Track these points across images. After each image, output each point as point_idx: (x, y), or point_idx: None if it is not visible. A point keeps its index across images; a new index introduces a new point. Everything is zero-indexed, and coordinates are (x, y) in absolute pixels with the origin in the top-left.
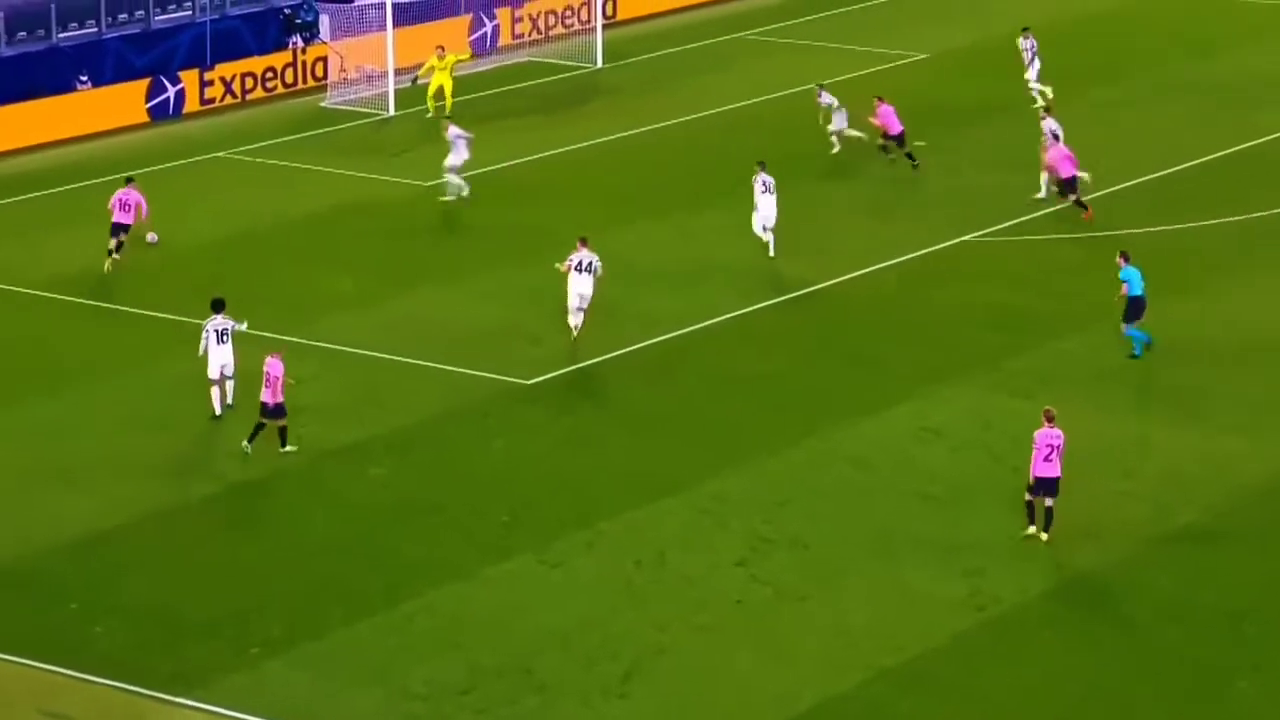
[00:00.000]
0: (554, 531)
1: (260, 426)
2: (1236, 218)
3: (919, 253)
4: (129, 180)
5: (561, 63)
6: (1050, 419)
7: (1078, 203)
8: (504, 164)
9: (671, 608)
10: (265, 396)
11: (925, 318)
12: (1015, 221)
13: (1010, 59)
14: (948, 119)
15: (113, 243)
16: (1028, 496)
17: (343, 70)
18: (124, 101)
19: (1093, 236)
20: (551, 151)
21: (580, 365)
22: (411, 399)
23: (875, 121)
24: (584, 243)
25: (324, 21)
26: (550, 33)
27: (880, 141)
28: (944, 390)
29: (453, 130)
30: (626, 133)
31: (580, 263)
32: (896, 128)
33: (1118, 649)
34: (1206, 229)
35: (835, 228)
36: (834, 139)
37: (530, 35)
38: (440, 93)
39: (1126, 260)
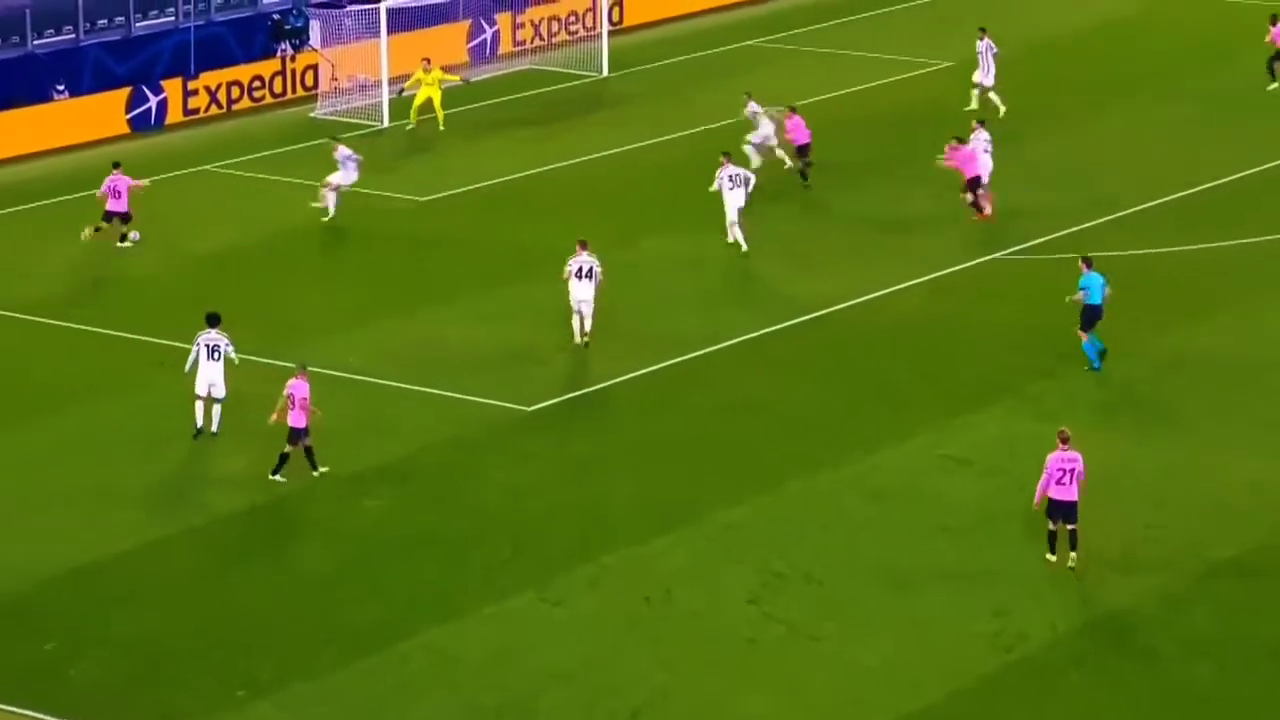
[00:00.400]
0: (556, 566)
1: (286, 456)
2: (1270, 237)
3: (942, 272)
4: (116, 165)
5: (565, 71)
6: (1064, 440)
7: (974, 204)
8: (504, 177)
9: (679, 647)
10: (291, 420)
11: (948, 340)
12: (1043, 240)
13: (1037, 68)
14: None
15: (119, 229)
16: (1050, 526)
17: (334, 79)
18: (104, 112)
19: (1118, 256)
20: (554, 164)
21: (584, 390)
22: (408, 427)
23: (787, 137)
24: (584, 246)
25: (314, 28)
26: (553, 39)
27: (794, 164)
28: (967, 416)
29: (342, 151)
30: (633, 145)
31: (580, 269)
32: (804, 138)
33: (1150, 689)
34: (1236, 247)
35: (853, 245)
36: (751, 152)
37: (532, 42)
38: (428, 105)
39: (1089, 266)
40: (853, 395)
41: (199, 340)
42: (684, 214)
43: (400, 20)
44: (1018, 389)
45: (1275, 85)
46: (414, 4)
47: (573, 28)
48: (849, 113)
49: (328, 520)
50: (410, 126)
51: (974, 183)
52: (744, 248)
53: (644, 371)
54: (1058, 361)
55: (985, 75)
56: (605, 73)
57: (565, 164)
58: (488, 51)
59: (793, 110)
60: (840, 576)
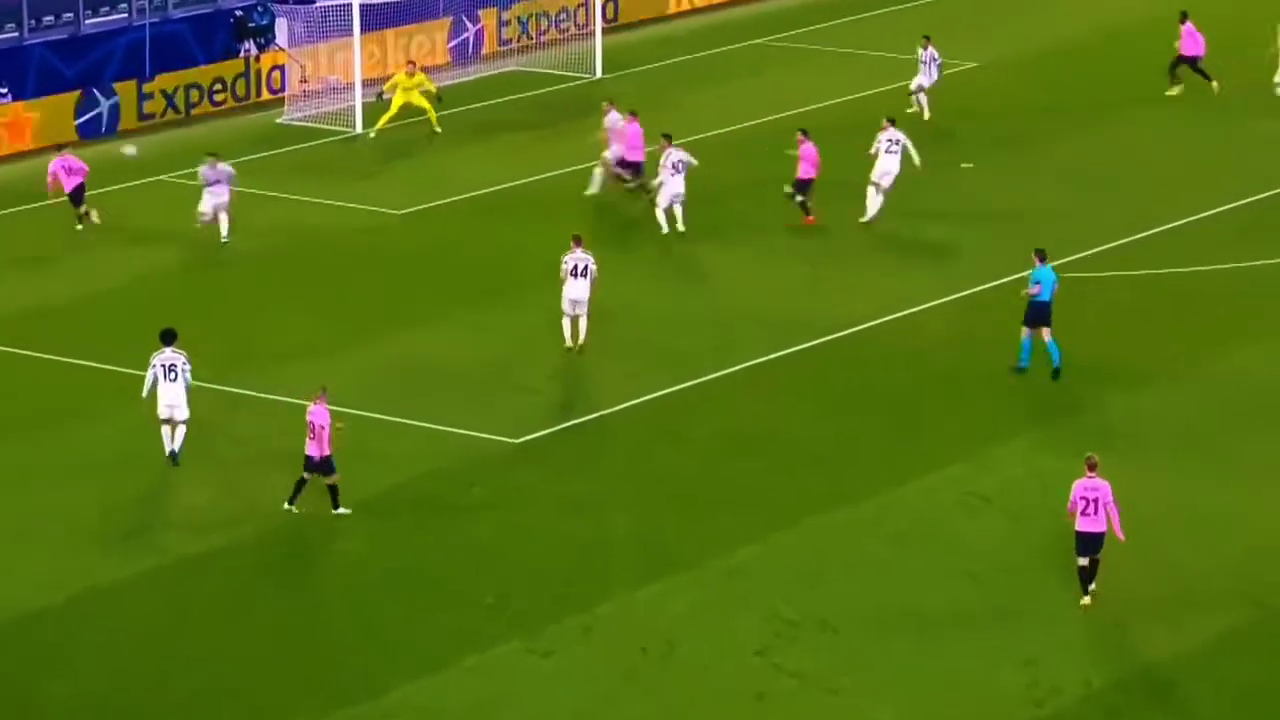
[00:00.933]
0: (546, 615)
1: (303, 483)
2: None
3: (966, 292)
4: (60, 148)
5: (556, 72)
6: (1091, 467)
7: (803, 204)
8: (490, 188)
9: (680, 702)
10: (310, 449)
11: (975, 365)
12: (1074, 257)
13: (1072, 67)
14: (999, 136)
15: (80, 211)
16: (1079, 561)
17: (303, 81)
18: (49, 117)
19: (1154, 275)
20: (544, 174)
21: (576, 420)
22: (384, 461)
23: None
24: (578, 242)
25: (281, 26)
26: (543, 38)
27: (628, 179)
28: (995, 450)
29: (213, 169)
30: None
31: (576, 266)
32: (636, 154)
33: None
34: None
35: (871, 263)
36: (598, 172)
37: (519, 41)
38: (406, 111)
39: (1042, 260)
40: (871, 426)
41: (154, 361)
42: (687, 227)
43: (374, 17)
44: (1050, 420)
45: (1174, 90)
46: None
47: (563, 25)
48: (864, 118)
49: (296, 566)
50: (373, 135)
51: (805, 185)
52: (681, 227)
53: (643, 399)
54: (1094, 389)
55: (925, 81)
56: (599, 74)
57: (556, 173)
58: (469, 52)
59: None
60: (857, 624)
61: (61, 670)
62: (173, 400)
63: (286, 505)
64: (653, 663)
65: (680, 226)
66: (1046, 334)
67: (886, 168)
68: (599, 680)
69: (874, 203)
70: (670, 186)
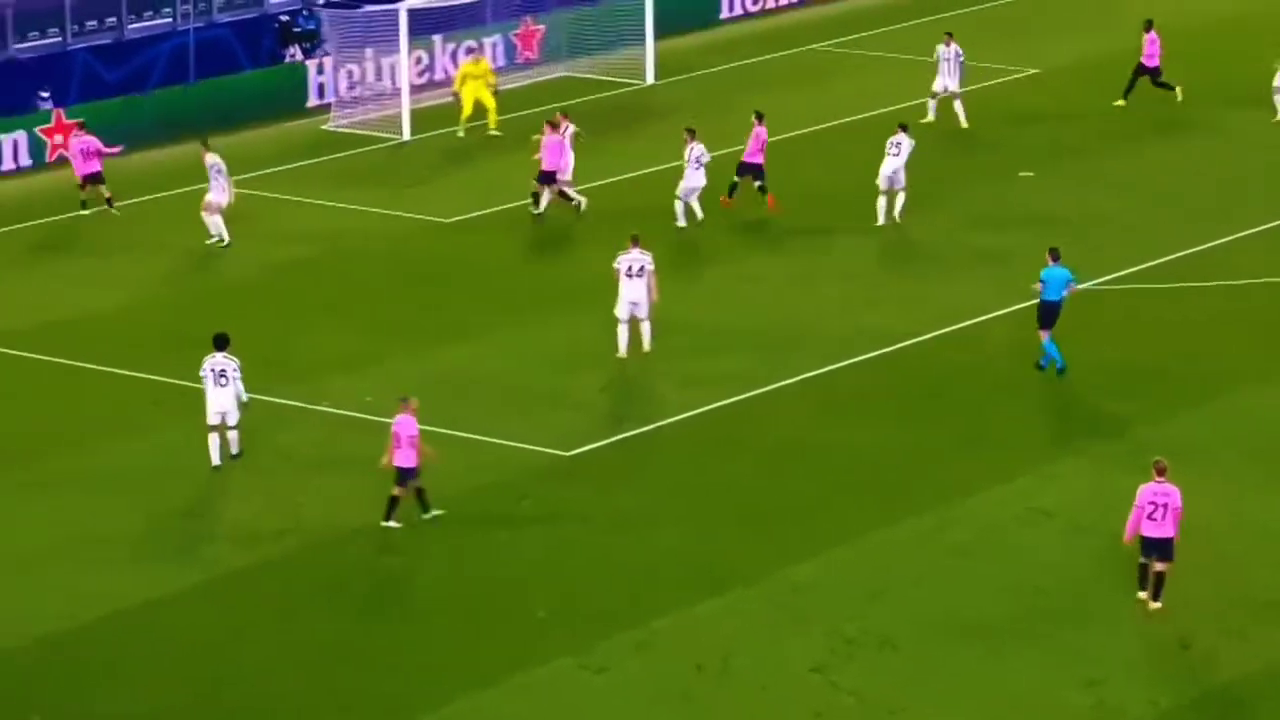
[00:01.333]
0: (599, 630)
1: (396, 501)
2: None
3: (1029, 303)
4: (81, 125)
5: (605, 79)
6: (1160, 471)
7: (761, 188)
8: None
9: None
10: (399, 460)
11: (1036, 379)
12: (1139, 268)
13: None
14: (1059, 143)
15: (88, 193)
16: (1141, 559)
17: (350, 87)
18: (92, 123)
19: (1221, 286)
20: (594, 182)
21: (629, 433)
22: (434, 474)
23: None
24: (635, 242)
25: (327, 31)
26: (593, 44)
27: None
28: (1059, 465)
29: (212, 160)
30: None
31: (631, 266)
32: (553, 164)
33: None
34: None
35: (931, 273)
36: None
37: (569, 46)
38: (479, 110)
39: (1055, 259)
40: (933, 438)
41: (206, 367)
42: (738, 237)
43: (422, 23)
44: (1115, 433)
45: (1122, 102)
46: (438, 5)
47: (614, 30)
48: (920, 126)
49: (341, 579)
50: (461, 134)
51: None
52: (700, 218)
53: (697, 411)
54: (1160, 403)
55: (950, 80)
56: (651, 80)
57: (606, 181)
58: (518, 57)
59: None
60: (918, 641)
61: (112, 684)
62: (223, 406)
63: (383, 523)
64: (708, 680)
65: (699, 215)
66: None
67: (885, 170)
68: (653, 697)
69: (889, 207)
70: (691, 180)
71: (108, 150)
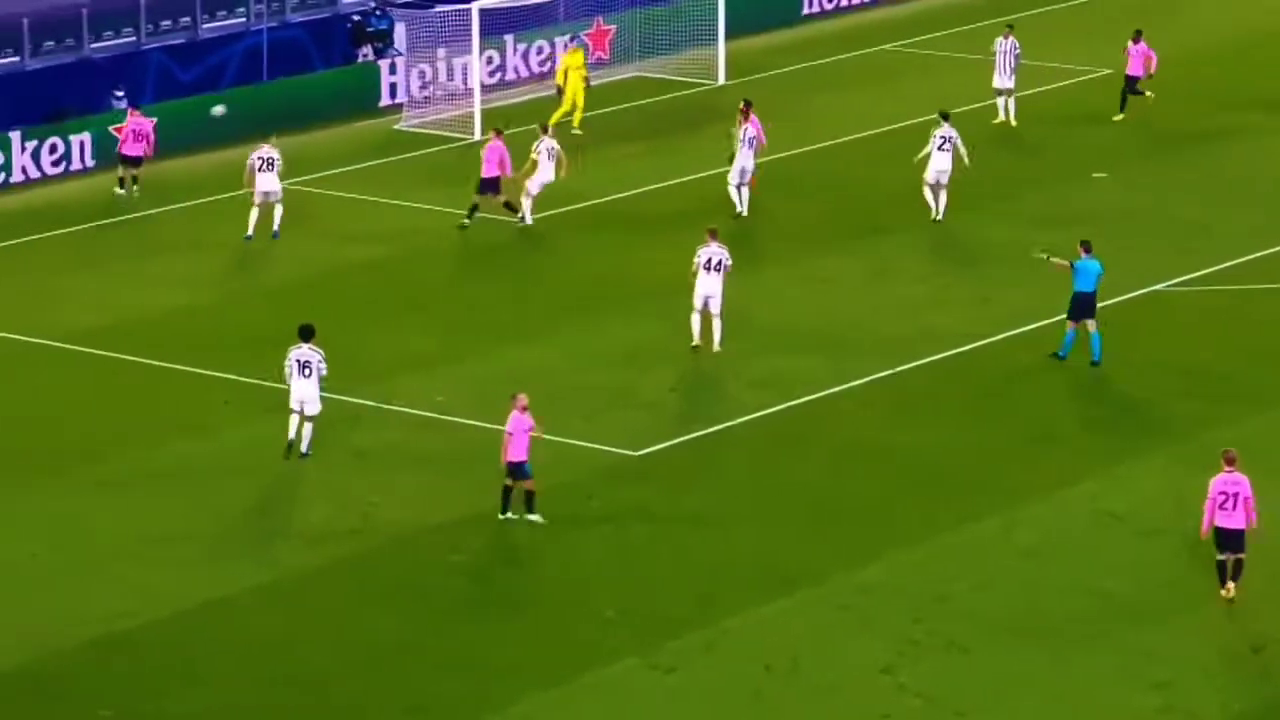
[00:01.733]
0: (667, 630)
1: (508, 490)
2: None
3: (1100, 304)
4: (135, 107)
5: (676, 79)
6: (1230, 461)
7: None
8: (607, 197)
9: None
10: (511, 453)
11: (1106, 381)
12: (1214, 269)
13: (1204, 76)
14: (1137, 145)
15: (123, 173)
16: (1218, 556)
17: (422, 87)
18: (166, 122)
19: None
20: (665, 182)
21: (698, 433)
22: (501, 474)
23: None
24: (713, 235)
25: (399, 31)
26: (665, 44)
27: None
28: (1127, 466)
29: (267, 153)
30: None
31: (709, 260)
32: (491, 171)
33: None
34: None
35: (999, 273)
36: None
37: (641, 46)
38: (589, 101)
39: (1087, 251)
40: (999, 440)
41: (291, 356)
42: (807, 239)
43: (494, 23)
44: (1184, 436)
45: (1120, 116)
46: (510, 5)
47: (686, 31)
48: (991, 127)
49: (409, 579)
50: (578, 130)
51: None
52: (743, 210)
53: (765, 412)
54: (1230, 406)
55: (1006, 78)
56: (722, 81)
57: (676, 181)
58: (590, 57)
59: (498, 133)
60: (985, 643)
61: (181, 683)
62: (305, 395)
63: (500, 515)
64: (777, 681)
65: (739, 207)
66: (1092, 325)
67: (940, 166)
68: (722, 698)
69: (939, 201)
70: (742, 160)
71: (152, 139)
